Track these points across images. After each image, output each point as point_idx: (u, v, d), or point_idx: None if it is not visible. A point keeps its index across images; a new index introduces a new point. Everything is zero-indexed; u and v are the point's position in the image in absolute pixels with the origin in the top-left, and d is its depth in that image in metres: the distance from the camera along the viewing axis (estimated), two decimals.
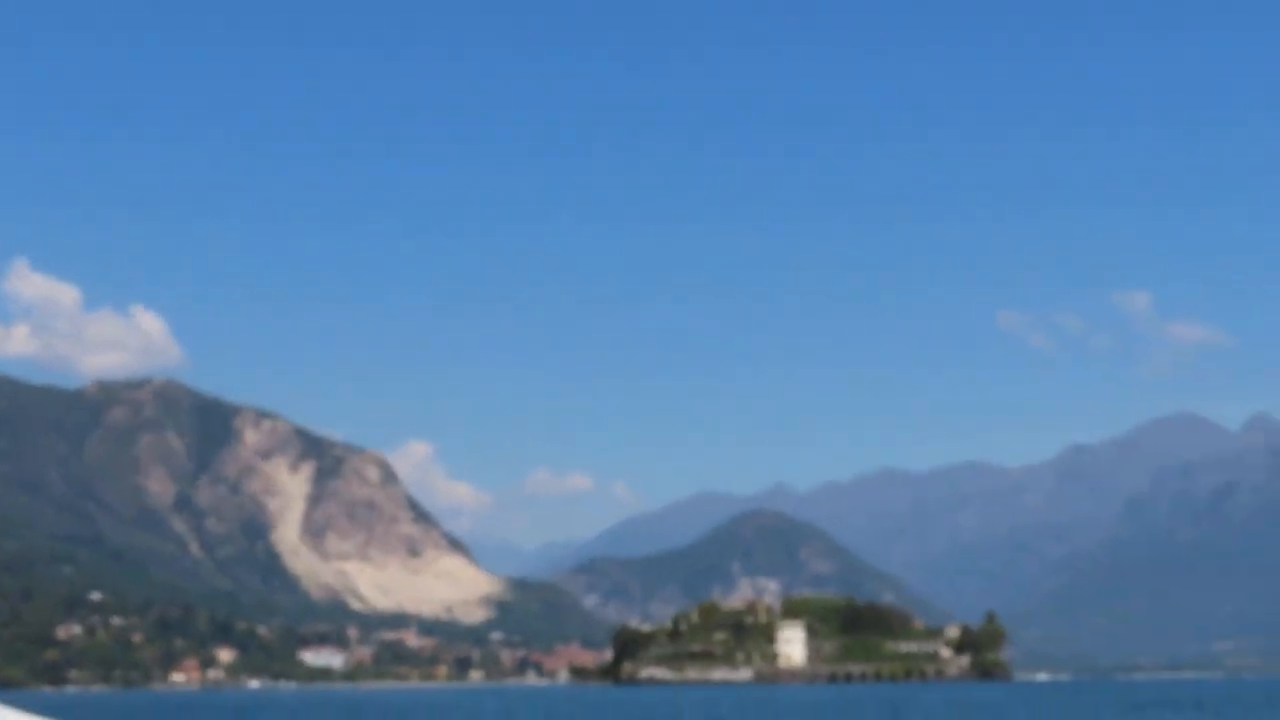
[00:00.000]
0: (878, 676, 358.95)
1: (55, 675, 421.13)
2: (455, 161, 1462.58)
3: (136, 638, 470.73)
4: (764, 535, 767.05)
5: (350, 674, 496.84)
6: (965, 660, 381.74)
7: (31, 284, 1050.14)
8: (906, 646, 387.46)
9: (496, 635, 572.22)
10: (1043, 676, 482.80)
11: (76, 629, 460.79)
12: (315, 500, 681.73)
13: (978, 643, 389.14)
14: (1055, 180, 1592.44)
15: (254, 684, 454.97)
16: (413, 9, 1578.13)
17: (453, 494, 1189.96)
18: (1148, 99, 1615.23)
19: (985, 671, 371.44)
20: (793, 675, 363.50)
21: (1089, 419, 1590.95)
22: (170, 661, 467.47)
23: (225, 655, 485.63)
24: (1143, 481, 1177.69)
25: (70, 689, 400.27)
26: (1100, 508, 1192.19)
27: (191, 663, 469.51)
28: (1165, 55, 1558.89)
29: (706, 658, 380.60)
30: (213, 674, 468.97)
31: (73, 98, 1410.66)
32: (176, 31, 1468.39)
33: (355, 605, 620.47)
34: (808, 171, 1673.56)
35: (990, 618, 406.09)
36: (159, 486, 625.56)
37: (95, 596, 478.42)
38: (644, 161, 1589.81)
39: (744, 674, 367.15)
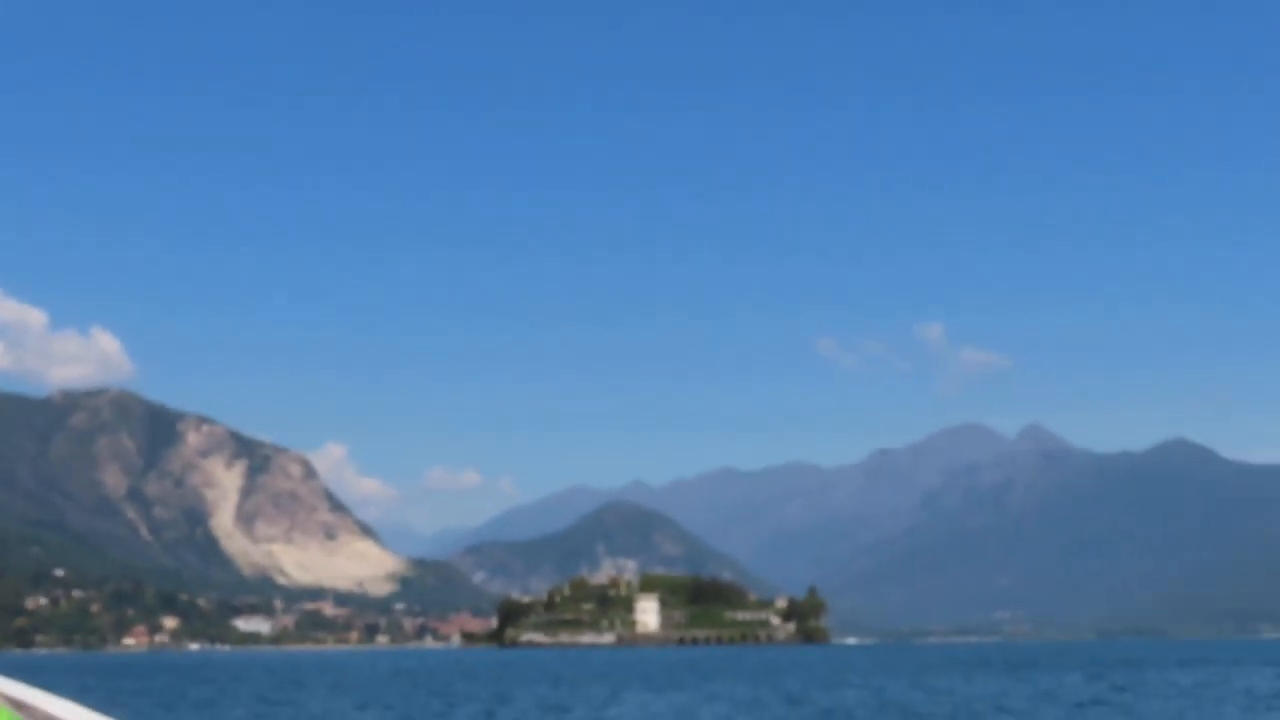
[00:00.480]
0: (719, 640, 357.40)
1: (24, 639, 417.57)
2: (368, 184, 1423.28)
3: (94, 608, 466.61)
4: (623, 523, 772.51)
5: (276, 638, 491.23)
6: (791, 627, 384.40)
7: (4, 308, 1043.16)
8: (742, 615, 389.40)
9: (399, 606, 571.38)
10: (853, 640, 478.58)
11: (43, 600, 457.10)
12: (246, 492, 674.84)
13: (801, 612, 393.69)
14: (868, 224, 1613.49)
15: (194, 647, 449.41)
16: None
17: (363, 488, 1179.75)
18: (942, 154, 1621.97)
19: (808, 636, 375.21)
20: (648, 639, 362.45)
21: (892, 428, 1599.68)
22: (123, 628, 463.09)
23: (170, 622, 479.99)
24: (936, 479, 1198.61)
25: (37, 651, 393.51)
26: (901, 501, 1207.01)
27: (141, 629, 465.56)
28: (947, 118, 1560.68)
29: (576, 625, 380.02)
30: (159, 638, 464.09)
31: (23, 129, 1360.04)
32: (114, 65, 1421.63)
33: (280, 580, 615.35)
34: (668, 208, 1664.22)
35: (812, 592, 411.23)
36: (114, 480, 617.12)
37: (59, 573, 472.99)
38: (521, 190, 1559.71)
39: (607, 638, 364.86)
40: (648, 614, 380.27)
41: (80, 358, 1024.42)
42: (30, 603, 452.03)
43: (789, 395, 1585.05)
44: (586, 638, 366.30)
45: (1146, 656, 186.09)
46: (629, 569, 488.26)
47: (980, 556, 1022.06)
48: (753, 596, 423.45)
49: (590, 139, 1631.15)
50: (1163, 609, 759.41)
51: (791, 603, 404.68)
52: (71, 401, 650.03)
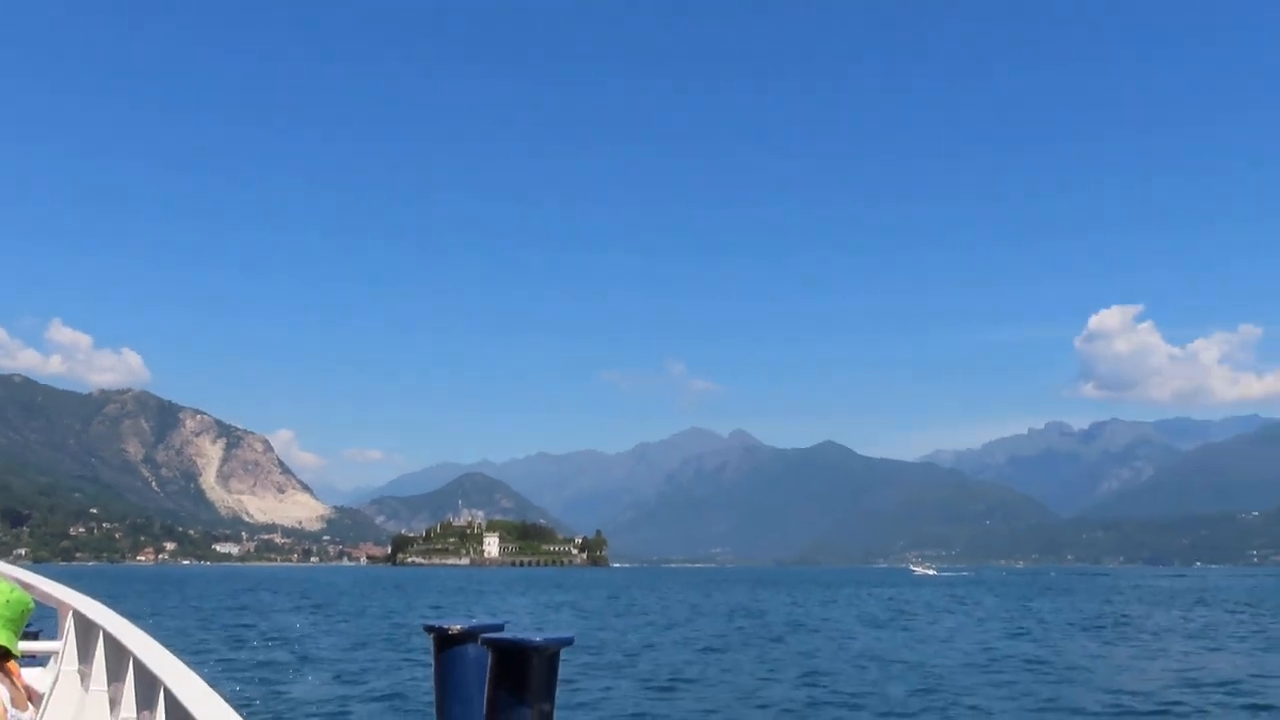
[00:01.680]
0: (538, 564, 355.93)
1: (67, 555, 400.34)
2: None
3: (118, 535, 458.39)
4: (476, 487, 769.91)
5: (243, 558, 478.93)
6: (584, 556, 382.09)
7: (63, 333, 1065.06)
8: (553, 548, 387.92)
9: (326, 538, 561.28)
10: (621, 565, 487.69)
11: (82, 529, 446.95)
12: (224, 460, 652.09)
13: (590, 546, 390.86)
14: (633, 288, 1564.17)
15: (186, 563, 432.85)
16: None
17: (303, 459, 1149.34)
18: (679, 233, 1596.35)
19: (594, 562, 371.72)
20: (491, 562, 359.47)
21: (651, 430, 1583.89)
22: (137, 549, 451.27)
23: (170, 546, 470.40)
24: (677, 464, 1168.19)
25: (77, 564, 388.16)
26: (656, 476, 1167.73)
27: (150, 550, 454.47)
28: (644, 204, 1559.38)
29: (444, 551, 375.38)
30: (162, 557, 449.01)
31: None
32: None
33: (246, 520, 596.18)
34: (511, 219, 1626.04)
35: (598, 534, 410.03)
36: (134, 450, 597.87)
37: (93, 510, 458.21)
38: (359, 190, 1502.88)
39: (464, 561, 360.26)
40: (491, 546, 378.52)
41: (114, 368, 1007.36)
42: (73, 530, 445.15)
43: (585, 407, 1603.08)
44: (450, 560, 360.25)
45: (807, 576, 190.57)
46: (479, 517, 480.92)
47: (704, 513, 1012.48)
48: (560, 536, 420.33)
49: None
50: (817, 548, 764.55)
51: (584, 540, 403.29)
52: (106, 397, 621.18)
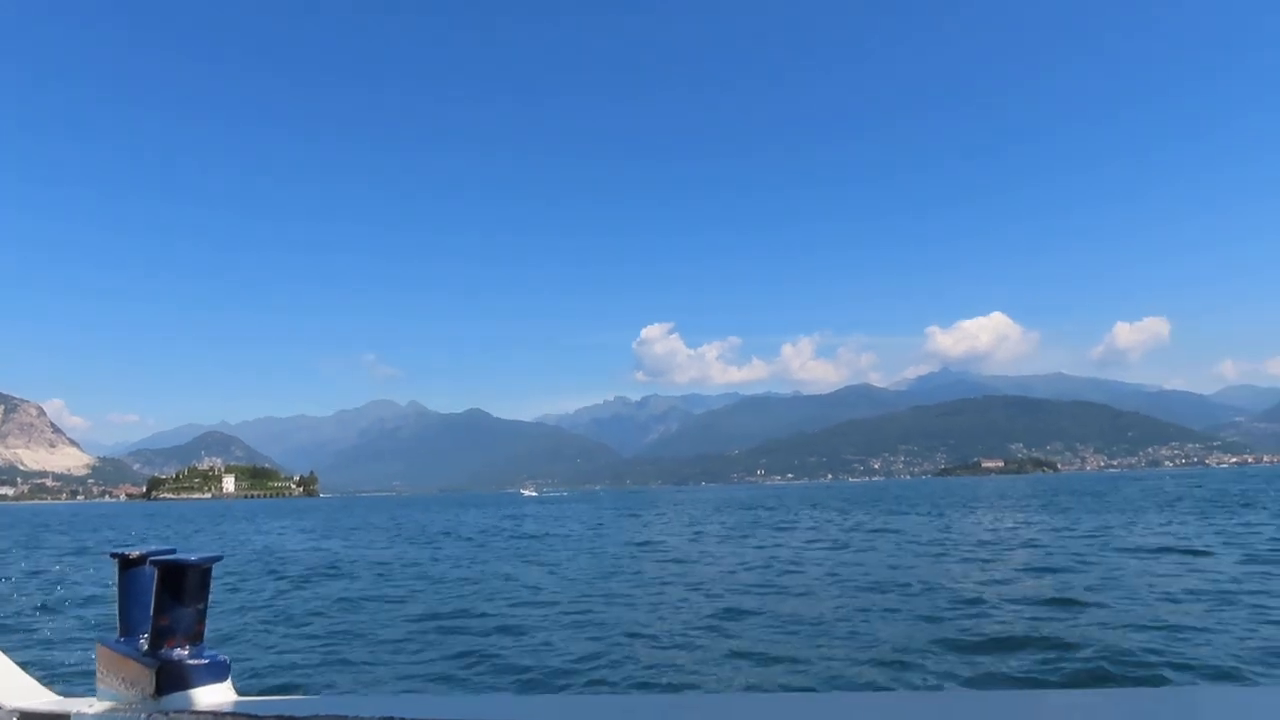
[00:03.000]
0: (265, 496, 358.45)
1: None
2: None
3: None
4: (217, 441, 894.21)
5: (17, 498, 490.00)
6: (301, 489, 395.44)
7: None
8: (278, 484, 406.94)
9: (92, 481, 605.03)
10: (328, 495, 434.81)
11: None
12: (4, 423, 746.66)
13: (306, 482, 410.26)
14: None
15: None
16: None
17: (73, 422, 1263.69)
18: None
19: (309, 494, 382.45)
20: (228, 496, 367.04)
21: (350, 399, 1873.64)
22: None
23: None
24: (369, 423, 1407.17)
25: None
26: (352, 433, 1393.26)
27: None
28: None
29: (191, 489, 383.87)
30: None
31: None
32: None
33: (21, 469, 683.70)
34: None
35: (311, 474, 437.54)
36: None
37: None
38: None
39: (207, 496, 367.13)
40: (229, 484, 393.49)
41: None
42: None
43: (300, 381, 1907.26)
44: (196, 495, 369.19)
45: (454, 499, 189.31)
46: (218, 463, 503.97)
47: (387, 459, 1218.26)
48: (283, 475, 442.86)
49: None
50: (469, 481, 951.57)
51: (301, 478, 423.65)
52: None
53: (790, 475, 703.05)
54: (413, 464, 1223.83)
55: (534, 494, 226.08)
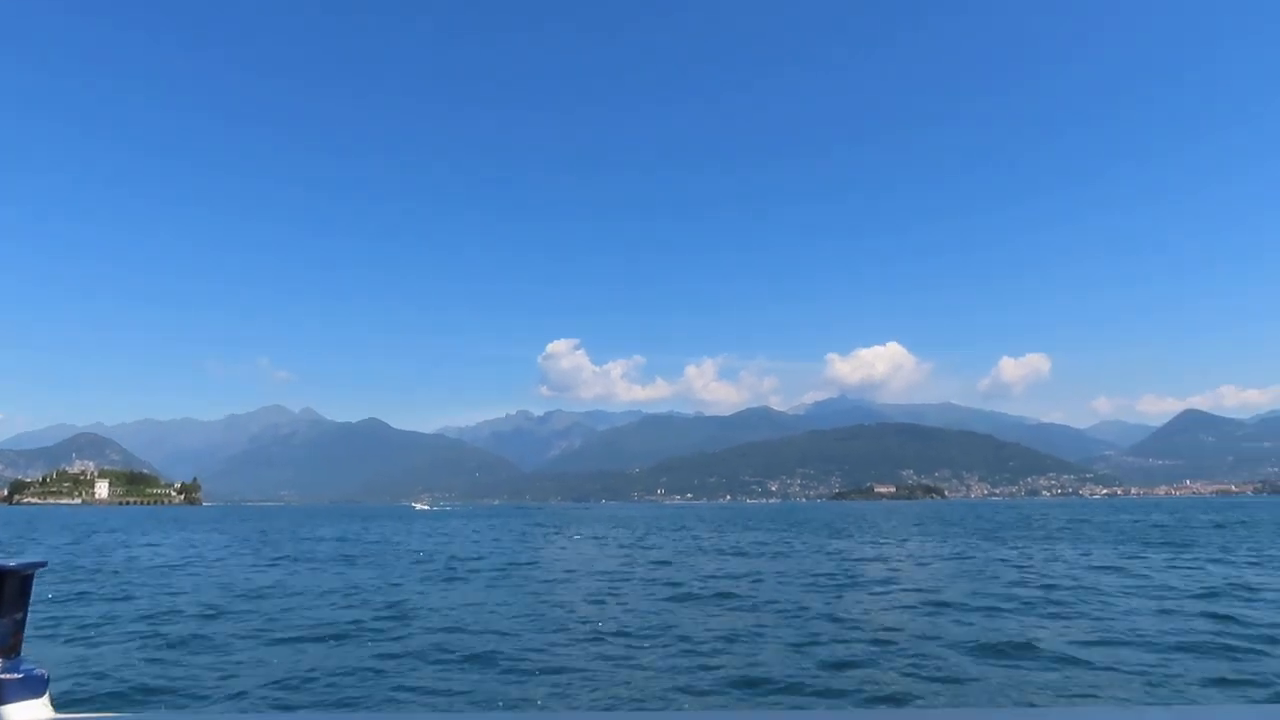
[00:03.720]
0: (142, 503, 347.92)
1: None
2: None
3: None
4: (91, 444, 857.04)
5: None
6: (182, 497, 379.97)
7: None
8: (156, 490, 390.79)
9: None
10: (212, 504, 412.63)
11: None
12: None
13: (188, 490, 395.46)
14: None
15: None
16: None
17: None
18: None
19: (190, 502, 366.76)
20: (101, 502, 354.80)
21: (241, 404, 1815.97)
22: None
23: None
24: (260, 429, 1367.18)
25: None
26: (242, 439, 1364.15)
27: None
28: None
29: (59, 493, 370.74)
30: None
31: None
32: None
33: None
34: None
35: (194, 480, 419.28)
36: None
37: None
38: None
39: (77, 501, 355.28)
40: (102, 489, 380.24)
41: None
42: None
43: (185, 384, 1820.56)
44: (64, 500, 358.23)
45: (343, 511, 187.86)
46: (91, 467, 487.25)
47: (277, 467, 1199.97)
48: (163, 482, 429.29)
49: None
50: (362, 492, 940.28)
51: (183, 485, 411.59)
52: None
53: (690, 495, 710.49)
54: (304, 473, 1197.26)
55: (426, 507, 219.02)
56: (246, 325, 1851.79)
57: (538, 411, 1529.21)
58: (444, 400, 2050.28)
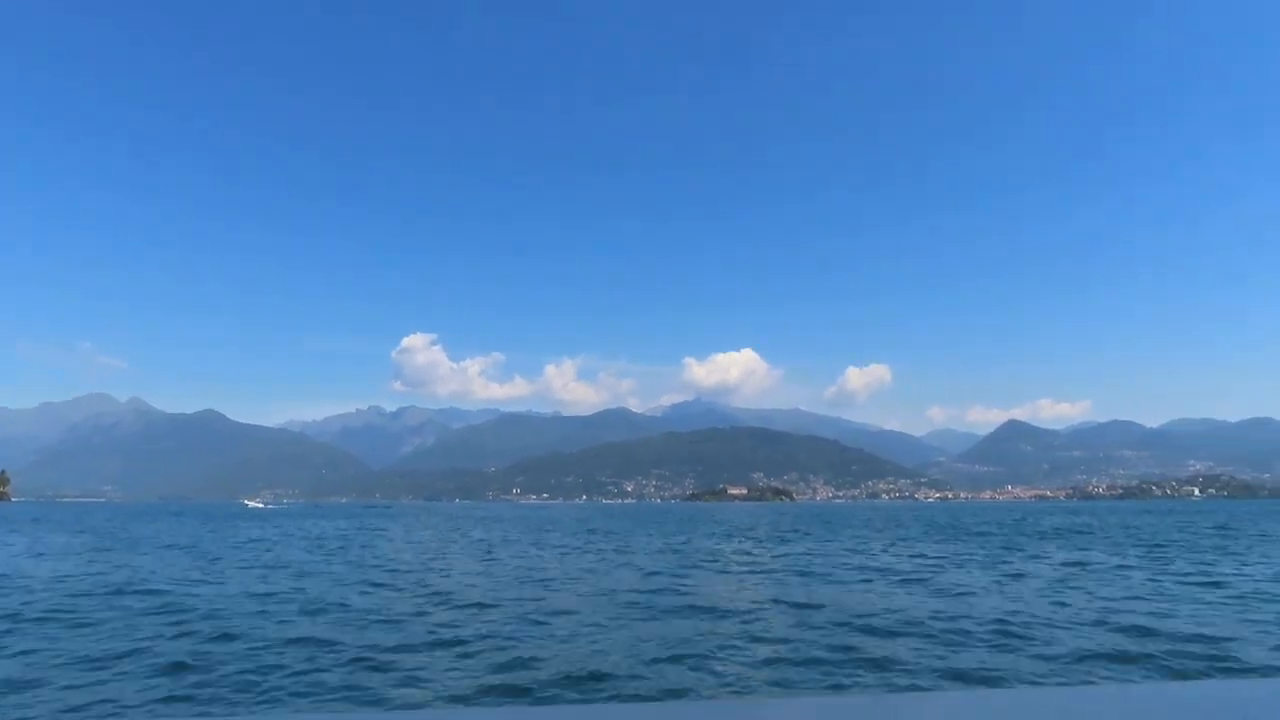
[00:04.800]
0: None
1: None
2: None
3: None
4: None
5: None
6: None
7: None
8: None
9: None
10: (22, 499, 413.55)
11: None
12: None
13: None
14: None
15: None
16: None
17: None
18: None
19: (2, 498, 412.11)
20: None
21: (58, 392, 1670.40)
22: None
23: None
24: (80, 418, 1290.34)
25: None
26: (59, 429, 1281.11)
27: None
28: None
29: None
30: None
31: None
32: None
33: None
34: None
35: (3, 473, 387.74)
36: None
37: None
38: None
39: None
40: None
41: None
42: None
43: (10, 378, 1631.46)
44: None
45: (171, 509, 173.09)
46: None
47: (99, 460, 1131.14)
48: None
49: None
50: (197, 489, 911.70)
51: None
52: None
53: (546, 495, 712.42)
54: (132, 467, 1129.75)
55: (260, 505, 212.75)
56: (64, 306, 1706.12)
57: (390, 407, 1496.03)
58: (290, 393, 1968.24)
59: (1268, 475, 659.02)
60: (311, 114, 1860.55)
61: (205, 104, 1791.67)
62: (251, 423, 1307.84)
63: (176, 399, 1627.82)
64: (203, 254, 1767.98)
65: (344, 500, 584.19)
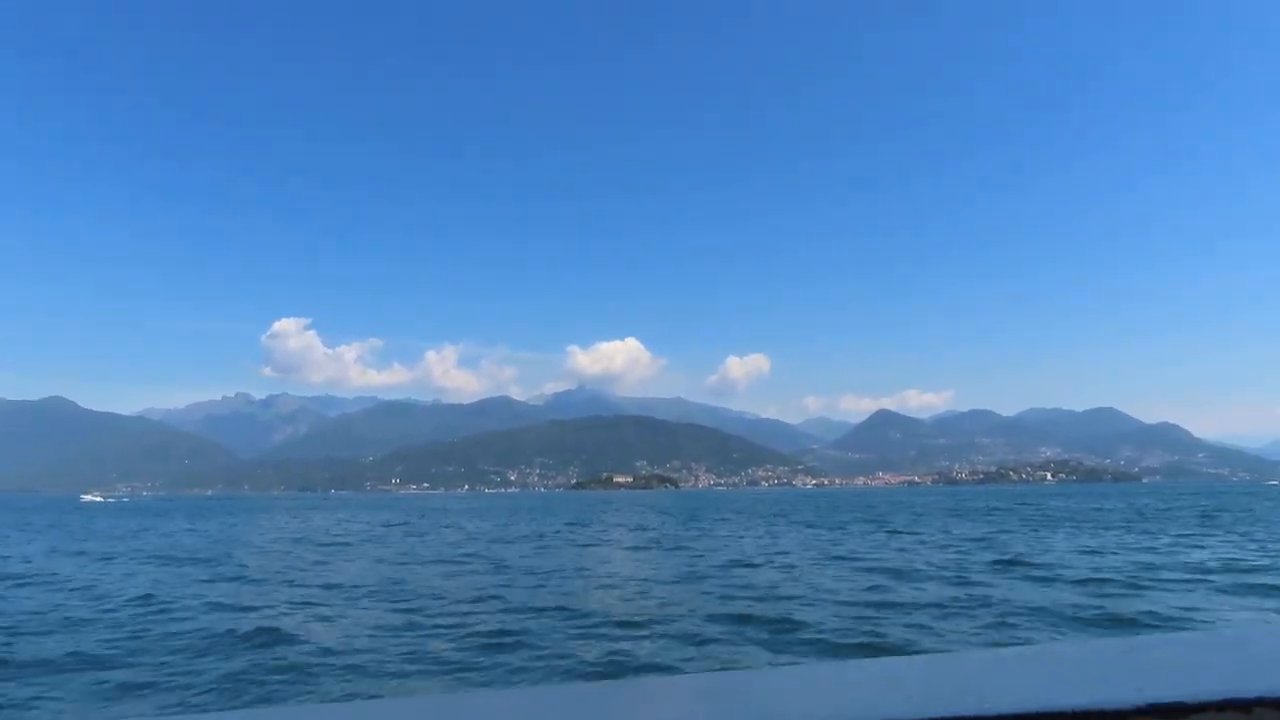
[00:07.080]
0: None
1: None
2: None
3: None
4: None
5: None
6: None
7: None
8: None
9: None
10: None
11: None
12: None
13: None
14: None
15: None
16: None
17: None
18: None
19: None
20: None
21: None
22: None
23: None
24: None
25: None
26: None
27: None
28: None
29: None
30: None
31: None
32: None
33: None
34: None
35: None
36: None
37: None
38: None
39: None
40: None
41: None
42: None
43: None
44: None
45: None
46: None
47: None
48: None
49: None
50: (38, 480, 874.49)
51: None
52: None
53: (426, 485, 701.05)
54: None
55: (98, 499, 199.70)
56: None
57: (259, 394, 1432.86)
58: (148, 379, 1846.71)
59: (1108, 460, 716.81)
60: (176, 73, 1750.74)
61: (58, 57, 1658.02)
62: (106, 410, 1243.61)
63: (20, 384, 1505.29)
64: (50, 222, 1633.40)
65: (209, 493, 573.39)
